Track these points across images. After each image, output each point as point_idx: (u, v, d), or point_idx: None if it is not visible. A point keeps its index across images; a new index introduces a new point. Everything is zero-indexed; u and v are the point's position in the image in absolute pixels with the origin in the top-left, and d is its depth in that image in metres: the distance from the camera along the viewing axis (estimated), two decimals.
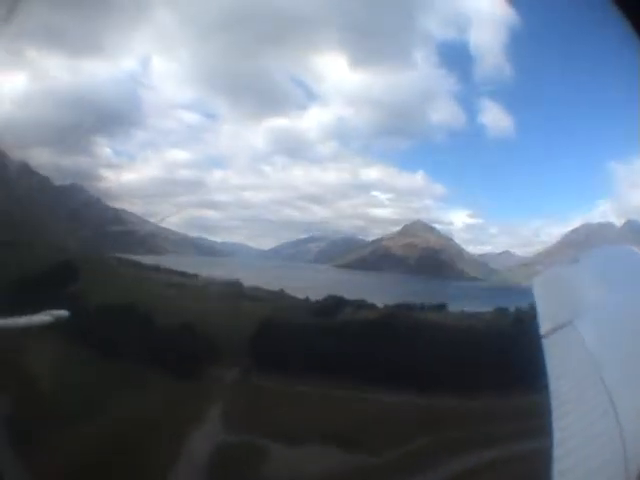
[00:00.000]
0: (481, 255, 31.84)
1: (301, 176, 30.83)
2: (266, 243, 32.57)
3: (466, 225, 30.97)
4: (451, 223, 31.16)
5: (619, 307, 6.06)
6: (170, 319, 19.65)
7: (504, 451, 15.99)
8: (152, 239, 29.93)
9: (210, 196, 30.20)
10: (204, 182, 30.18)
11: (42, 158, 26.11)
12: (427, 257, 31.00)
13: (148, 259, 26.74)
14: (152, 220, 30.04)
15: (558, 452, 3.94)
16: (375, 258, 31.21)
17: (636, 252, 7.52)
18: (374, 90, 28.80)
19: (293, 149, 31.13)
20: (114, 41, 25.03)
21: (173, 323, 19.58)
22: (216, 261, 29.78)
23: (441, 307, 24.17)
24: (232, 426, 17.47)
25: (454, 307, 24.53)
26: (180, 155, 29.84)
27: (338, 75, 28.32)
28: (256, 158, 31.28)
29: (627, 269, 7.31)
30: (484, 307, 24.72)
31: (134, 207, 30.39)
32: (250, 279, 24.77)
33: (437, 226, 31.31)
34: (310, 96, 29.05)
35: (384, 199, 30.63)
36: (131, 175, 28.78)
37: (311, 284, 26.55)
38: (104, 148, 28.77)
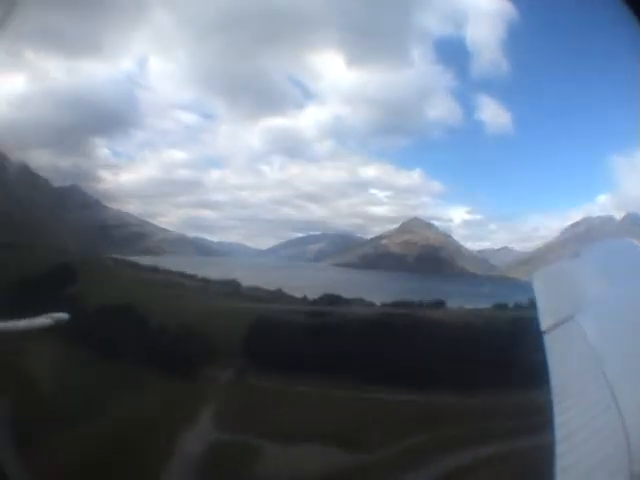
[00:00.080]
0: (480, 251, 31.89)
1: (299, 175, 30.89)
2: (264, 242, 32.69)
3: (465, 221, 31.03)
4: (450, 220, 31.22)
5: (621, 301, 6.05)
6: (168, 320, 19.67)
7: (504, 448, 16.00)
8: (150, 239, 29.95)
9: (208, 196, 30.30)
10: (202, 182, 30.25)
11: (41, 159, 26.20)
12: (426, 254, 31.00)
13: (146, 259, 26.78)
14: (150, 220, 30.13)
15: (560, 448, 3.93)
16: (374, 256, 31.22)
17: (637, 245, 7.51)
18: (371, 88, 28.86)
19: (290, 148, 31.16)
20: (112, 42, 25.06)
21: (171, 324, 19.59)
22: (214, 261, 29.81)
23: (439, 304, 24.14)
24: (228, 426, 17.48)
25: (453, 304, 24.53)
26: (178, 155, 29.91)
27: (335, 73, 28.36)
28: (253, 158, 31.45)
29: (628, 263, 7.30)
30: (483, 303, 24.71)
31: (132, 207, 30.52)
32: (248, 279, 24.81)
33: (435, 223, 31.38)
34: (307, 95, 29.12)
35: (382, 197, 30.74)
36: (129, 176, 28.83)
37: (309, 283, 26.56)
38: (102, 149, 28.86)
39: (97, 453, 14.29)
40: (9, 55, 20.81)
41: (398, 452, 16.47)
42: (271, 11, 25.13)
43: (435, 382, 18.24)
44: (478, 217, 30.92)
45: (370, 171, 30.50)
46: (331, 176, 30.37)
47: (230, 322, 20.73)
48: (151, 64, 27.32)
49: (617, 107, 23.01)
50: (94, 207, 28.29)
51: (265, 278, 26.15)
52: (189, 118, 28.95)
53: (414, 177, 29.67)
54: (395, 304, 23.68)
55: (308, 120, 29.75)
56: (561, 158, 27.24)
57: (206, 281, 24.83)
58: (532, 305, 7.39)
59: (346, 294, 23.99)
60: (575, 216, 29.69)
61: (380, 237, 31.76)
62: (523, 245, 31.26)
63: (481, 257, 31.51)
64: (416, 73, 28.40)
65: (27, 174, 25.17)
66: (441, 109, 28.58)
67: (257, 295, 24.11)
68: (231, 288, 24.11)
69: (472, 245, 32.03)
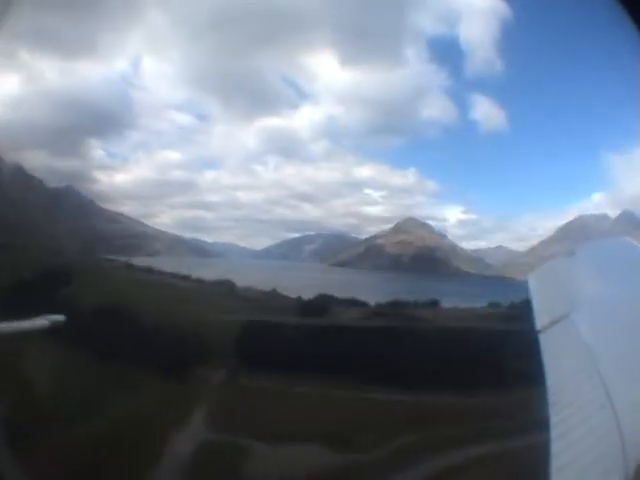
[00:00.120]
0: (475, 250, 31.92)
1: (293, 175, 30.93)
2: (258, 243, 32.66)
3: (460, 221, 31.10)
4: (445, 219, 31.28)
5: (615, 299, 6.07)
6: (162, 321, 19.63)
7: (499, 447, 15.97)
8: (145, 240, 29.91)
9: (202, 196, 30.32)
10: (196, 183, 30.29)
11: (36, 161, 26.15)
12: (421, 254, 31.01)
13: (141, 260, 26.70)
14: (145, 221, 30.09)
15: (556, 447, 3.94)
16: (368, 256, 31.22)
17: (631, 243, 7.55)
18: (365, 88, 28.92)
19: (285, 148, 31.24)
20: (106, 43, 25.06)
21: (165, 325, 19.54)
22: (208, 262, 29.76)
23: (434, 304, 24.13)
24: (220, 426, 17.45)
25: (447, 303, 24.51)
26: (172, 156, 29.93)
27: (329, 74, 28.42)
28: (248, 158, 31.47)
29: (623, 261, 7.32)
30: (478, 303, 24.71)
31: (127, 208, 30.46)
32: (242, 279, 24.76)
33: (430, 222, 31.41)
34: (301, 95, 29.16)
35: (377, 197, 30.78)
36: (124, 177, 28.84)
37: (304, 283, 26.53)
38: (97, 150, 28.86)
39: (92, 453, 14.26)
40: (4, 56, 20.79)
41: (391, 452, 16.46)
42: (265, 11, 25.15)
43: (429, 382, 18.22)
44: (473, 216, 31.02)
45: (364, 171, 30.62)
46: (325, 176, 30.47)
47: (224, 323, 20.74)
48: (145, 65, 27.36)
49: (611, 106, 23.14)
50: (89, 208, 28.23)
51: (259, 278, 26.10)
52: (183, 119, 29.00)
53: (409, 177, 29.76)
54: (389, 304, 23.67)
55: (302, 120, 29.84)
56: (555, 157, 27.35)
57: (200, 282, 24.79)
58: (527, 304, 7.42)
59: (340, 294, 23.98)
60: (570, 214, 29.82)
61: (375, 237, 31.77)
62: (518, 244, 31.37)
63: (476, 256, 31.54)
64: (410, 73, 28.49)
65: (21, 175, 25.13)
66: (435, 108, 28.67)
67: (251, 296, 24.07)
68: (225, 289, 24.07)
69: (467, 244, 32.11)
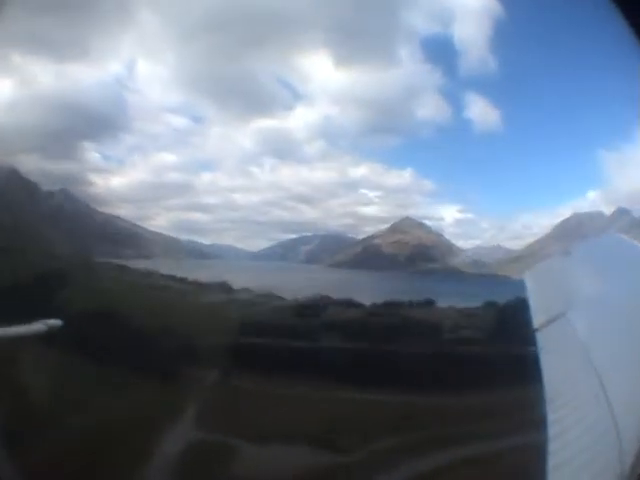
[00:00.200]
0: (472, 249, 31.89)
1: (290, 176, 30.96)
2: (255, 244, 32.63)
3: (456, 220, 31.10)
4: (441, 218, 31.29)
5: (611, 297, 6.09)
6: (158, 323, 19.60)
7: (494, 447, 15.95)
8: (141, 243, 29.88)
9: (199, 199, 30.30)
10: (193, 185, 30.26)
11: (30, 164, 26.08)
12: (418, 253, 31.04)
13: (137, 263, 26.68)
14: (141, 224, 30.08)
15: (553, 446, 3.95)
16: (365, 256, 31.21)
17: (626, 240, 7.58)
18: (360, 88, 28.91)
19: (281, 150, 31.22)
20: (100, 46, 25.03)
21: (161, 327, 19.52)
22: (205, 263, 29.75)
23: (429, 303, 24.10)
24: (212, 426, 17.44)
25: (443, 303, 24.49)
26: (168, 158, 29.93)
27: (323, 74, 28.43)
28: (244, 160, 31.40)
29: (618, 259, 7.35)
30: (474, 302, 24.66)
31: (123, 211, 30.41)
32: (239, 281, 24.74)
33: (427, 222, 31.42)
34: (296, 96, 29.14)
35: (373, 197, 30.77)
36: (119, 179, 28.84)
37: (301, 285, 26.51)
38: (92, 153, 28.81)
39: (86, 453, 14.24)
40: None
41: (385, 451, 16.45)
42: (258, 13, 25.15)
43: (420, 382, 18.20)
44: (469, 215, 31.06)
45: (360, 171, 30.61)
46: (322, 177, 30.49)
47: (217, 324, 20.76)
48: (139, 68, 27.36)
49: (604, 104, 23.16)
50: (84, 211, 28.21)
51: (256, 280, 26.11)
52: (178, 121, 28.99)
53: (405, 176, 29.76)
54: (384, 304, 23.62)
55: (297, 121, 29.87)
56: (550, 155, 27.41)
57: (197, 284, 24.77)
58: (524, 303, 7.43)
59: (336, 295, 23.94)
60: (565, 212, 29.80)
61: (372, 237, 31.76)
62: (515, 242, 31.38)
63: (473, 255, 31.54)
64: (404, 72, 28.51)
65: (16, 179, 25.09)
66: (430, 108, 28.69)
67: (247, 297, 24.05)
68: (222, 290, 24.05)
69: (464, 243, 32.12)
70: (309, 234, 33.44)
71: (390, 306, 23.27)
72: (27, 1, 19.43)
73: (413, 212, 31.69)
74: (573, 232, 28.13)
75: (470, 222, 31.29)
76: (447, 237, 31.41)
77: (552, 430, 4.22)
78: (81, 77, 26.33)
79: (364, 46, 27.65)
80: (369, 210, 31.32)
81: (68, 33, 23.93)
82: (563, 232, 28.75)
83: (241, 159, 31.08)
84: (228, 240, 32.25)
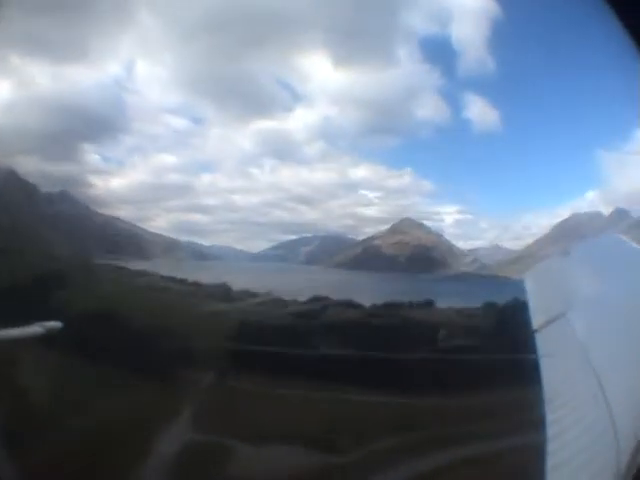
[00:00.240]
0: (471, 250, 31.91)
1: (289, 177, 30.97)
2: (255, 246, 32.59)
3: (456, 220, 31.10)
4: (441, 219, 31.27)
5: (610, 298, 6.08)
6: (158, 324, 19.59)
7: (494, 447, 15.93)
8: (141, 244, 29.86)
9: (198, 200, 30.28)
10: (192, 186, 30.24)
11: (29, 166, 26.06)
12: (418, 254, 31.02)
13: (137, 264, 26.67)
14: (141, 225, 30.07)
15: (552, 446, 3.94)
16: (366, 257, 31.19)
17: (624, 241, 7.58)
18: (359, 89, 28.93)
19: (280, 151, 31.22)
20: (98, 47, 25.02)
21: (160, 328, 19.50)
22: (205, 265, 29.73)
23: (429, 304, 24.06)
24: (213, 427, 17.41)
25: (443, 303, 24.47)
26: (168, 160, 29.94)
27: (322, 75, 28.45)
28: (244, 161, 31.38)
29: (616, 259, 7.35)
30: (474, 302, 24.64)
31: (123, 212, 30.44)
32: (238, 282, 24.71)
33: (427, 223, 31.39)
34: (295, 97, 29.16)
35: (373, 197, 30.75)
36: (119, 181, 28.87)
37: (301, 286, 26.48)
38: (92, 154, 28.82)
39: (85, 454, 14.23)
40: None
41: (385, 452, 16.43)
42: (257, 14, 25.14)
43: (418, 383, 18.17)
44: (469, 216, 31.05)
45: (360, 172, 30.61)
46: (321, 178, 30.49)
47: (215, 325, 20.75)
48: (138, 69, 27.35)
49: (603, 104, 23.19)
50: (84, 213, 28.17)
51: (256, 281, 26.08)
52: (178, 122, 28.98)
53: (404, 177, 29.74)
54: (383, 305, 23.55)
55: (297, 122, 29.87)
56: (549, 155, 27.46)
57: (197, 285, 24.74)
58: (524, 304, 7.42)
59: (335, 296, 23.91)
60: (564, 213, 29.83)
61: (372, 238, 31.75)
62: (514, 243, 31.39)
63: (472, 256, 31.54)
64: (403, 73, 28.52)
65: (15, 180, 25.06)
66: (429, 108, 28.72)
67: (246, 298, 24.01)
68: (221, 291, 24.02)
69: (463, 244, 32.14)
70: (309, 235, 33.45)
71: (390, 307, 23.20)
72: (25, 2, 19.44)
73: (413, 213, 31.73)
74: (572, 232, 28.11)
75: (469, 223, 31.34)
76: (447, 237, 31.42)
77: (551, 430, 4.21)
78: (80, 78, 26.35)
79: (363, 46, 27.66)
80: (369, 211, 31.35)
81: (66, 34, 23.94)
82: (562, 232, 28.74)
83: (241, 160, 31.07)
84: (228, 241, 32.26)
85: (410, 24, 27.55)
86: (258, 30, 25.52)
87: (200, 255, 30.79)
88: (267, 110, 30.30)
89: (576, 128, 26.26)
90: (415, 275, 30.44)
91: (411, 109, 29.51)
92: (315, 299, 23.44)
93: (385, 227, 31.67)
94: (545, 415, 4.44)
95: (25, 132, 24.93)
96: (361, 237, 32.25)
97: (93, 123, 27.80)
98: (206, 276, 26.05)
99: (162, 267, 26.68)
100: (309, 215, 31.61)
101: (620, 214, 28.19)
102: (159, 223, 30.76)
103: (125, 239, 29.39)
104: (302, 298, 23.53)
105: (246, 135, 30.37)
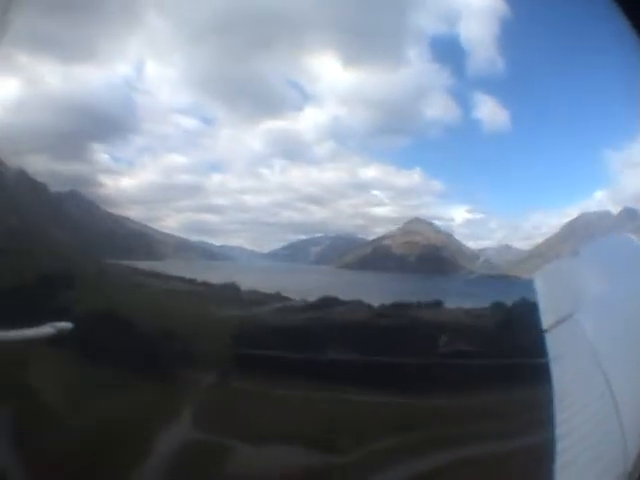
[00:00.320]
0: (481, 250, 31.73)
1: (299, 177, 30.81)
2: (266, 246, 32.50)
3: (465, 220, 30.94)
4: (451, 219, 31.06)
5: (620, 298, 6.07)
6: (167, 324, 19.62)
7: (503, 447, 15.89)
8: (151, 244, 29.92)
9: (209, 200, 30.23)
10: (203, 186, 30.17)
11: (39, 165, 26.08)
12: (428, 254, 30.96)
13: (147, 265, 26.73)
14: (151, 225, 30.12)
15: (561, 445, 3.93)
16: (376, 257, 31.13)
17: (633, 240, 7.56)
18: (368, 89, 28.76)
19: (290, 151, 31.06)
20: (108, 46, 24.97)
21: (169, 328, 19.53)
22: (215, 265, 29.76)
23: (437, 304, 24.02)
24: (216, 427, 17.42)
25: (452, 303, 24.44)
26: (178, 160, 29.84)
27: (332, 75, 28.26)
28: (254, 161, 31.25)
29: (626, 259, 7.34)
30: (483, 302, 24.58)
31: (133, 212, 30.37)
32: (248, 282, 24.74)
33: (437, 222, 31.23)
34: (305, 97, 29.02)
35: (383, 197, 30.59)
36: (129, 181, 28.81)
37: (310, 286, 26.47)
38: (101, 154, 28.81)
39: (89, 454, 14.27)
40: (4, 59, 20.81)
41: (386, 451, 16.41)
42: (266, 14, 25.07)
43: (432, 382, 18.12)
44: (478, 216, 30.87)
45: (370, 172, 30.45)
46: (331, 178, 30.35)
47: (221, 325, 20.77)
48: (148, 69, 27.24)
49: (613, 102, 23.07)
50: (94, 212, 28.22)
51: (265, 281, 26.10)
52: (188, 122, 28.91)
53: (414, 177, 29.58)
54: (392, 305, 23.50)
55: (307, 122, 29.73)
56: (558, 155, 27.27)
57: (206, 285, 24.77)
58: (533, 304, 7.41)
59: (345, 296, 23.89)
60: (573, 212, 29.66)
61: (382, 238, 31.66)
62: (524, 243, 31.18)
63: (482, 256, 31.46)
64: (413, 72, 28.35)
65: (25, 180, 25.11)
66: (439, 108, 28.54)
67: (255, 298, 24.04)
68: (230, 291, 24.05)
69: (473, 244, 31.92)
70: (319, 235, 33.33)
71: (398, 307, 23.18)
72: (34, 2, 19.50)
73: (423, 213, 31.61)
74: (581, 232, 28.00)
75: (479, 222, 31.14)
76: (457, 237, 31.35)
77: (560, 429, 4.20)
78: (90, 78, 26.31)
79: (372, 46, 27.56)
80: (380, 211, 31.19)
81: (76, 34, 23.92)
82: (571, 232, 28.63)
83: (251, 160, 30.96)
84: (238, 241, 32.12)
85: (419, 24, 27.39)
86: (267, 31, 25.52)
87: (211, 255, 30.79)
88: (277, 110, 30.24)
89: (585, 128, 26.10)
90: (425, 275, 30.41)
91: (421, 109, 29.35)
92: (324, 299, 23.47)
93: (395, 227, 31.58)
94: (553, 414, 4.43)
95: (35, 131, 24.99)
96: (371, 237, 32.16)
97: (103, 123, 27.83)
98: (215, 276, 26.09)
99: (173, 267, 26.77)
100: (319, 215, 31.51)
101: (629, 213, 28.07)
102: (169, 223, 30.73)
103: (135, 239, 29.43)
104: (311, 298, 23.54)
105: (256, 135, 30.22)
